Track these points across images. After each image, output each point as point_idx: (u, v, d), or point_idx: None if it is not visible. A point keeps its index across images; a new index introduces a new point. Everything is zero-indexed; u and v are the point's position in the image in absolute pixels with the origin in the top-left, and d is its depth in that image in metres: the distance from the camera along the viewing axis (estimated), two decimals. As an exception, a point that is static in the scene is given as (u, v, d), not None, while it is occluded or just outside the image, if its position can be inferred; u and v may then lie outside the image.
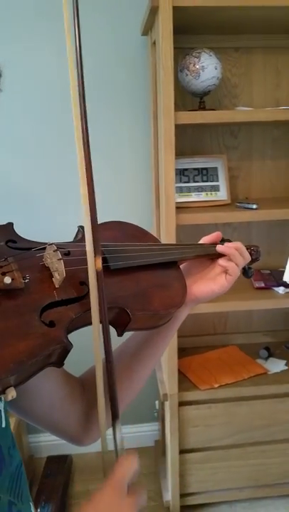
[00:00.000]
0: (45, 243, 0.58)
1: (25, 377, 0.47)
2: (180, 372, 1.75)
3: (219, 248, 0.74)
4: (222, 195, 1.73)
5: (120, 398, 0.71)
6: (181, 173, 1.71)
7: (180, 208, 1.56)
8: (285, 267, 1.25)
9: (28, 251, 0.56)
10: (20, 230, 0.60)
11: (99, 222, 0.53)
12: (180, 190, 1.68)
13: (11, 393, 0.45)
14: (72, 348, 0.50)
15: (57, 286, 0.53)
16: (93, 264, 0.50)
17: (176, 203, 1.51)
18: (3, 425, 0.57)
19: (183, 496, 1.83)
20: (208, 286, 0.72)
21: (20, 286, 0.49)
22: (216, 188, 1.72)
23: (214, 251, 0.74)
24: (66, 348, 0.49)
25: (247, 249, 0.78)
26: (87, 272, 0.51)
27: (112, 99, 1.80)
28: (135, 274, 0.63)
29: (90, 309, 0.52)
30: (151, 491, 1.98)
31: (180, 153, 1.66)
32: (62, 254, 0.55)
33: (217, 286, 0.72)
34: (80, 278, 0.56)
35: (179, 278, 0.68)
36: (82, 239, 0.64)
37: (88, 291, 0.54)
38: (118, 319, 0.59)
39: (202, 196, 1.71)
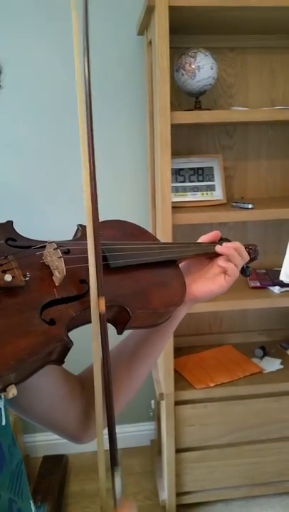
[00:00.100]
0: (45, 241, 0.58)
1: (26, 374, 0.47)
2: (176, 372, 1.75)
3: (218, 249, 0.74)
4: (218, 194, 1.73)
5: (120, 397, 0.72)
6: (177, 173, 1.71)
7: (176, 207, 1.57)
8: (280, 267, 1.25)
9: (28, 249, 0.56)
10: (20, 229, 0.60)
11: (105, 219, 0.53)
12: (176, 189, 1.69)
13: (12, 391, 0.45)
14: (73, 345, 0.50)
15: (57, 284, 0.53)
16: (97, 307, 0.49)
17: (172, 202, 1.51)
18: (4, 423, 0.57)
19: (179, 494, 1.84)
20: (207, 287, 0.72)
21: (21, 284, 0.50)
22: (211, 188, 1.73)
23: (213, 250, 0.75)
24: (67, 346, 0.49)
25: (245, 248, 0.78)
26: (88, 270, 0.51)
27: (107, 98, 1.80)
28: (135, 273, 0.63)
29: (89, 307, 0.52)
30: (147, 490, 1.98)
31: (176, 153, 1.66)
32: (62, 252, 0.55)
33: (216, 287, 0.72)
34: (80, 276, 0.56)
35: (178, 276, 0.69)
36: (82, 237, 0.64)
37: (88, 290, 0.54)
38: (118, 317, 0.59)
39: (198, 196, 1.71)
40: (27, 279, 0.51)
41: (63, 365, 0.53)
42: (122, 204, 1.92)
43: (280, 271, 1.20)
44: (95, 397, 0.45)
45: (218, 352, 1.98)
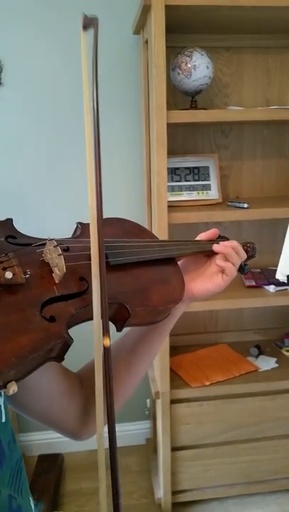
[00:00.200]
0: (45, 239, 0.58)
1: (26, 371, 0.47)
2: (172, 371, 1.75)
3: (215, 248, 0.74)
4: (213, 194, 1.74)
5: (119, 394, 0.72)
6: (173, 172, 1.72)
7: (172, 206, 1.57)
8: (275, 266, 1.26)
9: (28, 246, 0.56)
10: (19, 227, 0.60)
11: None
12: (172, 189, 1.69)
13: (12, 387, 0.45)
14: (73, 342, 0.50)
15: (57, 281, 0.54)
16: (101, 342, 0.49)
17: (168, 201, 1.51)
18: (3, 420, 0.57)
19: (174, 493, 1.84)
20: (205, 285, 0.73)
21: (21, 282, 0.50)
22: (207, 187, 1.73)
23: (210, 248, 0.75)
24: (67, 343, 0.50)
25: (243, 246, 0.79)
26: (87, 268, 0.51)
27: (103, 97, 1.80)
28: (134, 270, 0.63)
29: (89, 305, 0.52)
30: (143, 489, 1.99)
31: (171, 152, 1.66)
32: (62, 249, 0.55)
33: (213, 286, 0.73)
34: (80, 273, 0.56)
35: (177, 274, 0.69)
36: (81, 235, 0.64)
37: (88, 287, 0.55)
38: (117, 315, 0.59)
39: (193, 195, 1.72)
40: (27, 276, 0.51)
41: (63, 363, 0.53)
42: (118, 203, 1.92)
43: (276, 270, 1.21)
44: (96, 400, 0.45)
45: (213, 351, 1.98)
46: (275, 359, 1.90)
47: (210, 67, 1.52)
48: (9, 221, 0.60)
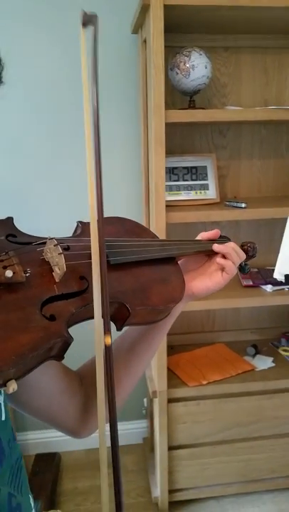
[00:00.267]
0: (46, 238, 0.58)
1: (26, 370, 0.47)
2: (169, 370, 1.76)
3: (215, 247, 0.75)
4: (211, 193, 1.74)
5: (118, 393, 0.72)
6: (171, 172, 1.72)
7: (170, 206, 1.57)
8: (272, 266, 1.26)
9: (29, 245, 0.57)
10: (18, 226, 0.60)
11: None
12: (170, 188, 1.69)
13: (12, 386, 0.45)
14: (73, 341, 0.51)
15: (57, 280, 0.54)
16: (102, 340, 0.49)
17: (166, 201, 1.51)
18: (3, 418, 0.57)
19: (171, 491, 1.85)
20: (204, 283, 0.73)
21: (22, 280, 0.50)
22: (205, 187, 1.74)
23: (211, 248, 0.75)
24: (67, 342, 0.50)
25: (244, 245, 0.79)
26: (88, 267, 0.52)
27: (101, 97, 1.80)
28: (134, 270, 0.63)
29: (89, 303, 0.53)
30: (140, 488, 1.99)
31: (169, 151, 1.67)
32: (63, 248, 0.55)
33: (212, 283, 0.73)
34: (80, 272, 0.56)
35: (177, 273, 0.69)
36: (81, 234, 0.64)
37: (88, 286, 0.55)
38: (117, 314, 0.59)
39: (191, 195, 1.72)
40: (27, 275, 0.51)
41: (63, 361, 0.54)
42: (116, 202, 1.92)
43: (273, 270, 1.21)
44: (97, 398, 0.45)
45: (210, 350, 1.99)
46: (271, 358, 1.91)
47: (208, 66, 1.52)
48: (10, 220, 0.60)
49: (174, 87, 1.59)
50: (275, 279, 1.23)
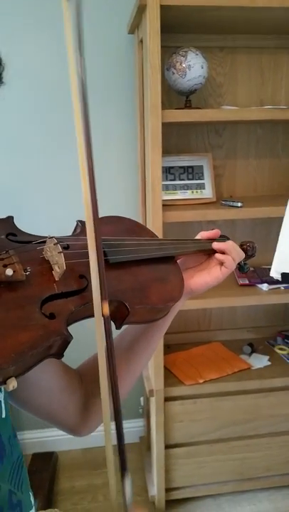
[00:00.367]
0: (45, 237, 0.58)
1: (26, 367, 0.47)
2: (165, 369, 1.76)
3: (215, 245, 0.75)
4: (207, 193, 1.75)
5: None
6: (167, 171, 1.73)
7: (166, 205, 1.58)
8: (268, 265, 1.27)
9: (29, 244, 0.57)
10: (18, 225, 0.60)
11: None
12: (166, 187, 1.70)
13: (12, 383, 0.45)
14: (72, 339, 0.51)
15: (57, 279, 0.54)
16: (100, 310, 0.50)
17: (162, 200, 1.52)
18: (3, 415, 0.58)
19: (168, 490, 1.85)
20: (203, 279, 0.73)
21: (22, 279, 0.50)
22: (201, 186, 1.74)
23: (210, 247, 0.76)
24: (66, 340, 0.50)
25: (243, 245, 0.79)
26: (87, 266, 0.52)
27: (98, 97, 1.80)
28: (134, 269, 0.64)
29: (89, 302, 0.53)
30: (137, 486, 2.00)
31: (166, 151, 1.67)
32: (62, 247, 0.55)
33: (211, 278, 0.73)
34: (80, 271, 0.56)
35: (176, 272, 0.70)
36: (81, 233, 0.65)
37: (87, 285, 0.55)
38: (117, 312, 0.59)
39: (188, 194, 1.72)
40: (27, 273, 0.52)
41: (63, 359, 0.54)
42: (112, 202, 1.92)
43: (269, 269, 1.22)
44: (101, 392, 0.45)
45: (206, 349, 2.00)
46: (267, 357, 1.92)
47: (204, 66, 1.53)
48: (10, 219, 0.60)
49: (171, 87, 1.59)
50: (271, 277, 1.23)
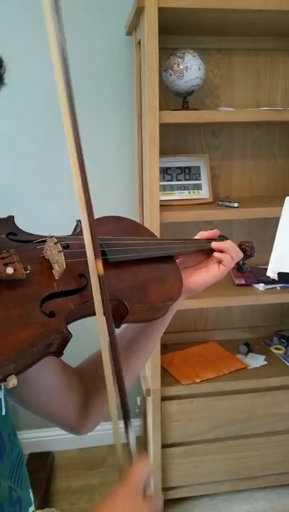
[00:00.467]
0: (46, 236, 0.59)
1: (25, 365, 0.48)
2: (162, 368, 1.77)
3: (214, 244, 0.76)
4: (204, 193, 1.76)
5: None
6: (164, 172, 1.73)
7: (163, 205, 1.58)
8: (265, 265, 1.28)
9: (29, 243, 0.58)
10: (19, 225, 0.61)
11: (98, 217, 0.54)
12: (163, 188, 1.71)
13: (12, 381, 0.46)
14: (72, 338, 0.52)
15: (57, 277, 0.55)
16: (95, 270, 0.51)
17: (160, 200, 1.53)
18: (3, 413, 0.58)
19: (165, 489, 1.86)
20: (201, 277, 0.74)
21: (22, 277, 0.51)
22: (198, 187, 1.75)
23: (209, 247, 0.77)
24: (66, 338, 0.51)
25: (242, 244, 0.80)
26: (87, 265, 0.53)
27: (95, 98, 1.81)
28: (133, 268, 0.64)
29: (88, 301, 0.54)
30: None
31: (163, 152, 1.68)
32: (62, 246, 0.56)
33: (209, 276, 0.74)
34: (80, 270, 0.57)
35: (175, 272, 0.70)
36: (81, 233, 0.65)
37: (87, 284, 0.56)
38: (116, 311, 0.60)
39: (185, 194, 1.73)
40: (28, 272, 0.52)
41: (62, 358, 0.55)
42: (110, 202, 1.93)
43: (265, 269, 1.23)
44: (106, 386, 0.47)
45: (203, 349, 2.00)
46: (264, 357, 1.93)
47: (202, 68, 1.54)
48: (10, 218, 0.61)
49: (168, 89, 1.60)
50: (268, 277, 1.24)
